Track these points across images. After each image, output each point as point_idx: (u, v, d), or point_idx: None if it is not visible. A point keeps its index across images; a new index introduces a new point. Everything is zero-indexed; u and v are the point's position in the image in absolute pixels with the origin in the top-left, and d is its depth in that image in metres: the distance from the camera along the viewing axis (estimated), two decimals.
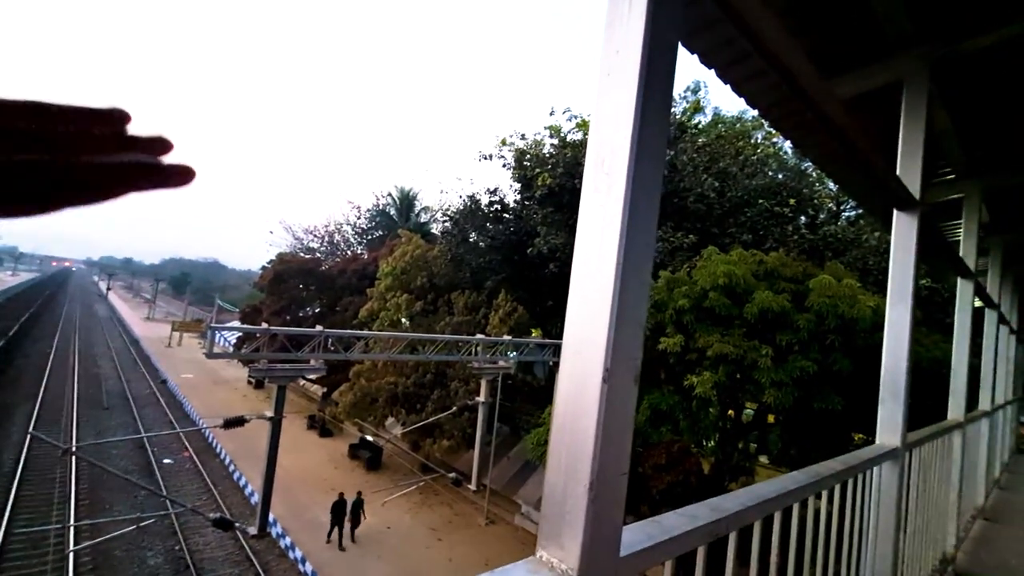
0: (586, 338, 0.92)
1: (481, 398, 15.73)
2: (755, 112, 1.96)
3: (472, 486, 16.07)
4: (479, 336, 15.35)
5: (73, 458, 15.63)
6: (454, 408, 15.88)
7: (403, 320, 22.13)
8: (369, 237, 39.48)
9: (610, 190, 0.92)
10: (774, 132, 19.18)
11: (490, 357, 15.88)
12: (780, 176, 20.36)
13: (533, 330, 21.04)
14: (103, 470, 12.90)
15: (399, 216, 39.24)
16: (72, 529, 13.19)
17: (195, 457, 19.78)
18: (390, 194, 40.46)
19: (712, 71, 1.62)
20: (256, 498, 15.23)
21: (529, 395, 22.23)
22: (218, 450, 20.54)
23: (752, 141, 21.14)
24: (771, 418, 15.08)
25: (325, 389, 26.49)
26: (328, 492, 16.44)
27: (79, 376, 30.22)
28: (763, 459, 16.02)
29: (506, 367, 15.86)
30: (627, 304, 0.91)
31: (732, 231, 17.71)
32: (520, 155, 20.45)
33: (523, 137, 21.17)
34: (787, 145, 19.19)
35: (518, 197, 22.86)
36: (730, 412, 15.03)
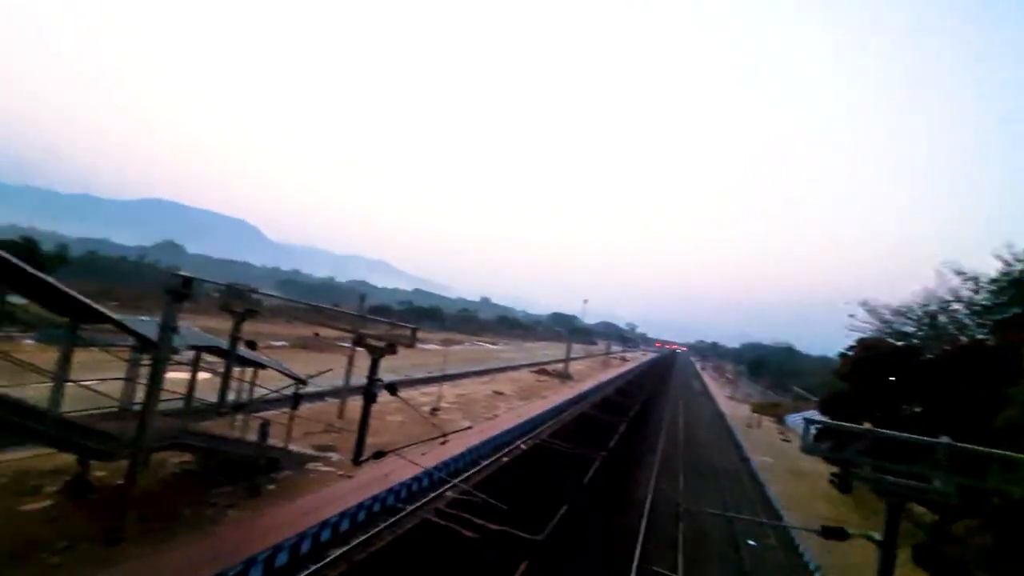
0: None
1: None
2: None
3: None
4: None
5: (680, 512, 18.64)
6: None
7: None
8: (995, 316, 28.98)
9: None
10: None
11: None
12: None
13: None
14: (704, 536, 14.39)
15: None
16: None
17: (782, 553, 19.28)
18: None
19: None
20: None
21: None
22: (805, 557, 18.36)
23: None
24: None
25: (937, 517, 20.31)
26: None
27: (682, 437, 36.79)
28: None
29: None
30: None
31: None
32: None
33: None
34: None
35: None
36: None
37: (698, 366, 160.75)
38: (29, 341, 25.18)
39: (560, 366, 63.59)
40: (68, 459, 12.55)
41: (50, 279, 10.36)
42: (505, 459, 23.06)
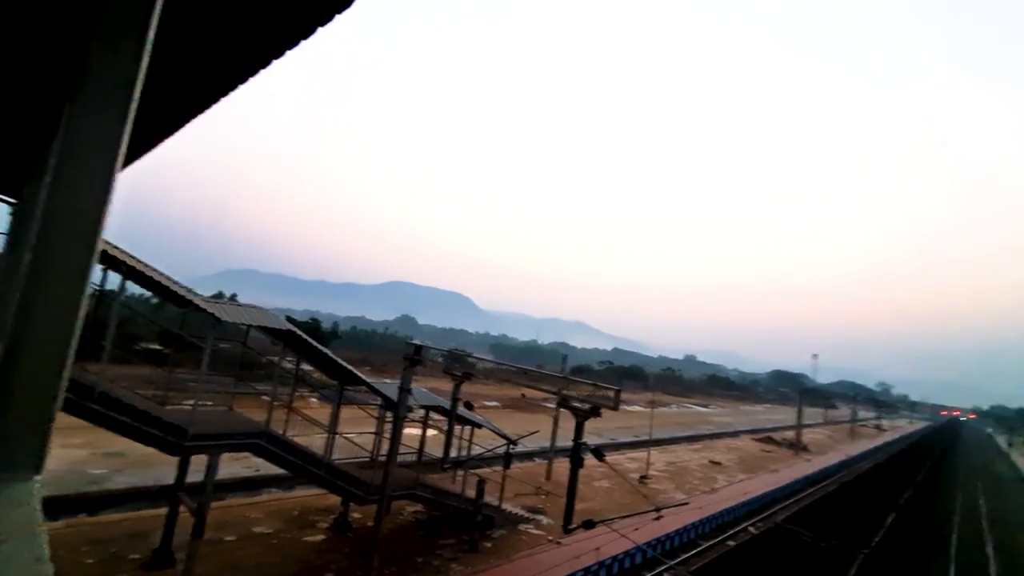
0: None
1: None
2: None
3: None
4: None
5: None
6: None
7: None
8: None
9: None
10: None
11: None
12: None
13: None
14: None
15: None
16: None
17: None
18: None
19: None
20: None
21: None
22: None
23: None
24: None
25: None
26: None
27: (993, 545, 26.85)
28: None
29: None
30: None
31: None
32: None
33: None
34: None
35: None
36: None
37: (1001, 441, 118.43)
38: (314, 400, 32.11)
39: (790, 434, 54.07)
40: (335, 499, 15.13)
41: (326, 351, 13.12)
42: (731, 543, 19.96)
